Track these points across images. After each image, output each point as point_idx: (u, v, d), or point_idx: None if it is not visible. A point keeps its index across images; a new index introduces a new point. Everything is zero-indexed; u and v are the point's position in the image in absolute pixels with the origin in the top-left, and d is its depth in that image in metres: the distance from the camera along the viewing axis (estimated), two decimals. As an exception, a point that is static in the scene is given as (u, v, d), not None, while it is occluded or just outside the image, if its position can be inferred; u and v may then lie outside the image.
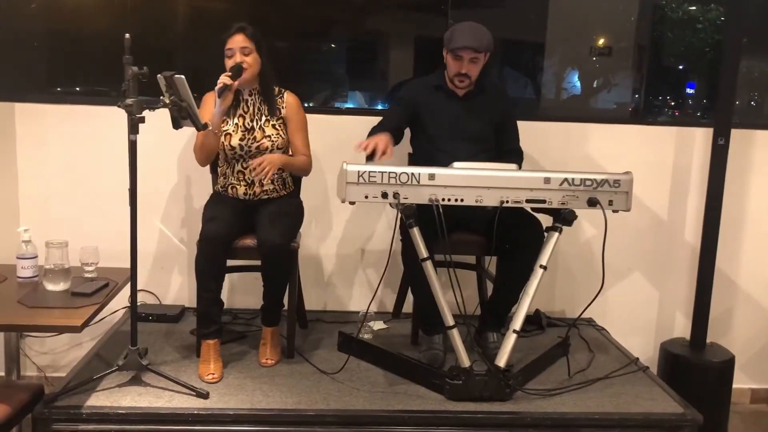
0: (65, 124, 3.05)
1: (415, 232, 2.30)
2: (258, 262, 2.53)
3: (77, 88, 3.20)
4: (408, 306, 2.99)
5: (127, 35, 2.15)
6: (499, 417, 2.27)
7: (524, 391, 2.39)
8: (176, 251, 3.18)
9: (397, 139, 2.71)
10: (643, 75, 3.42)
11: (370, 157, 2.44)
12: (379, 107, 3.35)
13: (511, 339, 2.35)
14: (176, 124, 2.31)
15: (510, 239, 2.55)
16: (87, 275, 2.55)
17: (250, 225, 2.61)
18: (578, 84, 3.44)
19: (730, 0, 2.93)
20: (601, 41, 3.42)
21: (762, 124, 3.33)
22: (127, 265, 2.31)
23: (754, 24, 3.21)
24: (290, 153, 2.77)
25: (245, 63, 2.57)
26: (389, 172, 2.28)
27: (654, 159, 3.26)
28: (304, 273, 3.13)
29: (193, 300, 2.56)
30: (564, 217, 2.40)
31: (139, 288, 2.44)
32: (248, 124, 2.66)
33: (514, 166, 2.47)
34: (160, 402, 2.23)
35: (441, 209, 2.25)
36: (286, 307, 2.64)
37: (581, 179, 2.37)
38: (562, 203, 2.38)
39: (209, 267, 2.46)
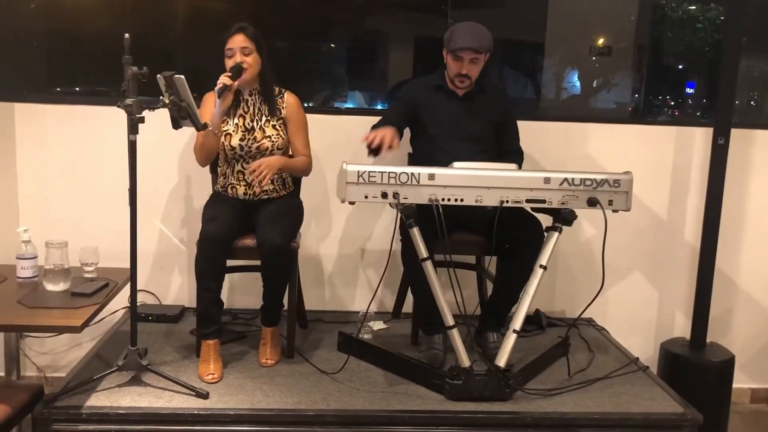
0: (65, 124, 3.05)
1: (415, 232, 2.30)
2: (258, 262, 2.53)
3: (77, 88, 3.19)
4: (408, 306, 2.99)
5: (127, 35, 2.15)
6: (499, 417, 2.27)
7: (524, 391, 2.39)
8: (176, 251, 3.18)
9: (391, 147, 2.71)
10: (642, 75, 3.42)
11: (376, 151, 2.42)
12: (379, 107, 3.35)
13: (511, 339, 2.35)
14: (176, 124, 2.31)
15: (510, 239, 2.55)
16: (87, 275, 2.55)
17: (250, 225, 2.60)
18: (578, 84, 3.44)
19: (730, -1, 2.93)
20: (600, 41, 3.41)
21: (762, 123, 3.33)
22: (127, 265, 2.31)
23: (754, 23, 3.21)
24: (290, 153, 2.77)
25: (245, 63, 2.57)
26: (389, 172, 2.28)
27: (654, 159, 3.26)
28: (304, 273, 3.13)
29: (193, 300, 2.56)
30: (564, 217, 2.40)
31: (138, 288, 2.44)
32: (248, 125, 2.66)
33: (513, 165, 2.47)
34: (160, 402, 2.23)
35: (441, 209, 2.25)
36: (286, 307, 2.63)
37: (581, 179, 2.37)
38: (562, 203, 2.38)
39: (209, 267, 2.46)
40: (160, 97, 2.25)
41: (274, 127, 2.68)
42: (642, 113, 3.43)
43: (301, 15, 3.25)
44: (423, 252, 2.31)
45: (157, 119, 2.37)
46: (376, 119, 2.75)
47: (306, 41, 3.32)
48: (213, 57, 2.64)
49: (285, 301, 2.62)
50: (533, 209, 2.50)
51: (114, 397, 2.24)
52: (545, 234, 2.47)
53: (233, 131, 2.64)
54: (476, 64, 2.67)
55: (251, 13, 3.19)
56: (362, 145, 2.91)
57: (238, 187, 2.68)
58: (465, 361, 2.32)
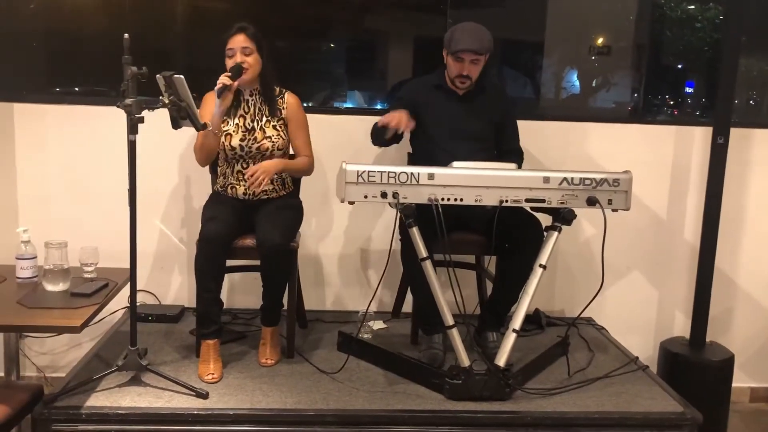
0: (64, 124, 3.05)
1: (415, 232, 2.30)
2: (257, 262, 2.53)
3: (76, 88, 3.19)
4: (408, 306, 2.99)
5: (126, 35, 2.15)
6: (498, 416, 2.27)
7: (524, 391, 2.39)
8: (176, 251, 3.18)
9: (398, 138, 2.72)
10: (642, 74, 3.42)
11: (386, 142, 2.49)
12: (379, 107, 3.35)
13: (510, 338, 2.35)
14: (175, 125, 2.30)
15: (509, 238, 2.55)
16: (86, 275, 2.55)
17: (250, 225, 2.60)
18: (577, 83, 3.44)
19: (729, -1, 2.93)
20: (600, 40, 3.42)
21: (761, 122, 3.34)
22: (127, 265, 2.31)
23: (753, 23, 3.21)
24: (291, 153, 2.77)
25: (246, 63, 2.56)
26: (388, 172, 2.28)
27: (653, 158, 3.26)
28: (304, 273, 3.13)
29: (193, 300, 2.56)
30: (563, 217, 2.40)
31: (138, 288, 2.44)
32: (249, 125, 2.66)
33: (513, 165, 2.47)
34: (159, 402, 2.23)
35: (440, 209, 2.25)
36: (285, 307, 2.63)
37: (580, 178, 2.37)
38: (562, 202, 2.38)
39: (209, 267, 2.46)
40: (160, 97, 2.25)
41: (274, 127, 2.67)
42: (641, 112, 3.43)
43: (301, 15, 3.25)
44: (422, 251, 2.31)
45: (157, 119, 2.37)
46: (375, 119, 2.75)
47: (305, 41, 3.32)
48: (212, 57, 2.64)
49: (285, 300, 2.62)
50: (533, 209, 2.50)
51: (114, 397, 2.24)
52: (545, 233, 2.47)
53: (233, 131, 2.64)
54: (477, 64, 2.67)
55: (251, 13, 3.18)
56: (362, 144, 2.93)
57: (237, 187, 2.68)
58: (465, 360, 2.32)
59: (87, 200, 3.08)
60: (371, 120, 2.73)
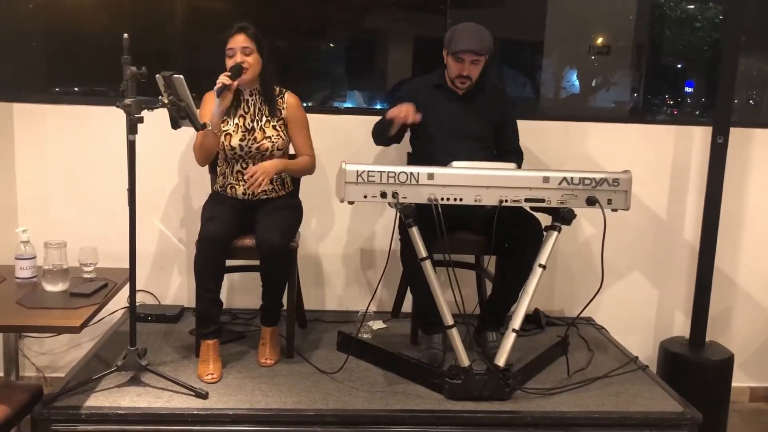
0: (64, 124, 3.05)
1: (414, 232, 2.30)
2: (257, 262, 2.52)
3: (76, 88, 3.19)
4: (407, 305, 2.99)
5: (126, 35, 2.15)
6: (498, 416, 2.27)
7: (524, 391, 2.39)
8: (175, 251, 3.18)
9: (398, 138, 2.72)
10: (641, 74, 3.42)
11: (388, 140, 2.50)
12: (378, 106, 3.35)
13: (510, 338, 2.35)
14: (175, 124, 2.30)
15: (509, 238, 2.55)
16: (86, 276, 2.55)
17: (249, 225, 2.60)
18: (577, 83, 3.44)
19: (729, -2, 2.93)
20: (599, 40, 3.41)
21: (761, 122, 3.34)
22: (126, 265, 2.31)
23: (753, 22, 3.21)
24: (291, 153, 2.77)
25: (246, 63, 2.56)
26: (388, 172, 2.28)
27: (653, 158, 3.26)
28: (303, 273, 3.13)
29: (193, 300, 2.55)
30: (563, 216, 2.39)
31: (138, 288, 2.44)
32: (249, 125, 2.66)
33: (513, 165, 2.47)
34: (159, 402, 2.23)
35: (440, 209, 2.25)
36: (285, 307, 2.63)
37: (580, 178, 2.37)
38: (561, 202, 2.38)
39: (208, 267, 2.45)
40: (159, 97, 2.25)
41: (274, 127, 2.67)
42: (641, 112, 3.43)
43: (301, 15, 3.25)
44: (422, 251, 2.31)
45: (156, 119, 2.37)
46: (375, 119, 2.75)
47: (305, 41, 3.32)
48: (212, 57, 2.64)
49: (284, 300, 2.62)
50: (532, 208, 2.50)
51: (113, 397, 2.24)
52: (544, 233, 2.47)
53: (233, 131, 2.64)
54: (477, 65, 2.67)
55: (250, 13, 3.18)
56: (361, 144, 2.93)
57: (237, 187, 2.67)
58: (464, 360, 2.32)
59: (86, 200, 3.08)
60: (371, 120, 2.73)
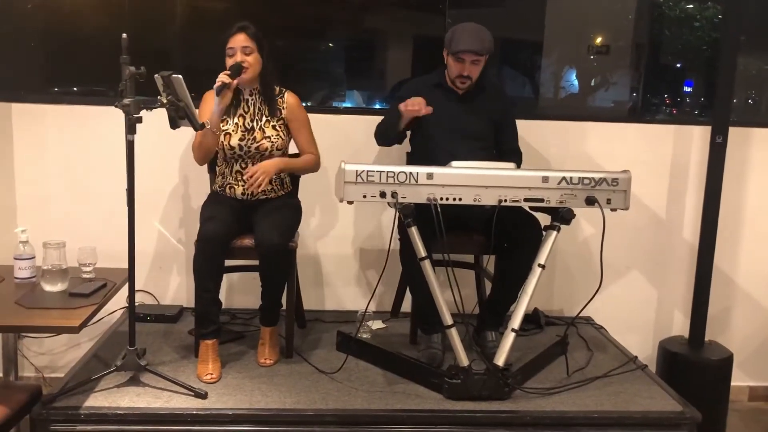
0: (63, 124, 3.05)
1: (414, 232, 2.30)
2: (256, 262, 2.52)
3: (75, 88, 3.19)
4: (406, 305, 2.99)
5: (125, 35, 2.15)
6: (498, 416, 2.27)
7: (523, 390, 2.39)
8: (174, 251, 3.18)
9: (400, 138, 2.72)
10: (640, 73, 3.42)
11: (391, 140, 2.53)
12: (377, 106, 3.35)
13: (509, 338, 2.35)
14: (173, 124, 2.30)
15: (508, 238, 2.55)
16: (85, 276, 2.55)
17: (248, 225, 2.60)
18: (576, 83, 3.44)
19: (728, -2, 2.93)
20: (598, 40, 3.41)
21: (760, 122, 3.34)
22: (125, 265, 2.31)
23: (752, 22, 3.21)
24: (294, 153, 2.76)
25: (246, 63, 2.56)
26: (387, 172, 2.28)
27: (652, 157, 3.26)
28: (303, 273, 3.12)
29: (192, 300, 2.55)
30: (562, 216, 2.39)
31: (137, 288, 2.44)
32: (248, 125, 2.66)
33: (512, 165, 2.47)
34: (158, 402, 2.23)
35: (439, 208, 2.25)
36: (284, 307, 2.63)
37: (579, 178, 2.37)
38: (561, 202, 2.38)
39: (207, 267, 2.45)
40: (158, 97, 2.25)
41: (274, 127, 2.67)
42: (640, 112, 3.43)
43: (300, 14, 3.24)
44: (421, 251, 2.31)
45: (155, 119, 2.37)
46: (374, 118, 2.75)
47: (304, 40, 3.32)
48: (211, 57, 2.64)
49: (284, 300, 2.62)
50: (532, 208, 2.50)
51: (112, 397, 2.24)
52: (543, 233, 2.47)
53: (233, 131, 2.64)
54: (477, 65, 2.67)
55: (250, 13, 3.18)
56: (361, 144, 2.94)
57: (236, 187, 2.67)
58: (464, 360, 2.32)
59: (85, 200, 3.08)
60: (370, 119, 2.73)
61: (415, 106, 2.51)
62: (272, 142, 2.65)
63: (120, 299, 2.70)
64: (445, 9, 3.17)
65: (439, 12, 3.19)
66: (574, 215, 2.40)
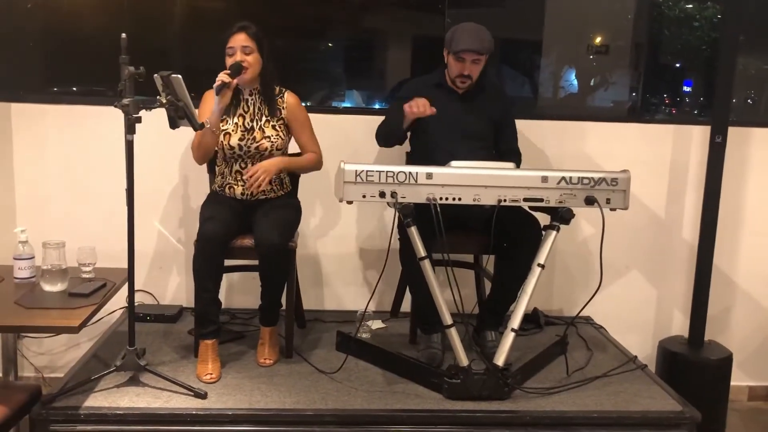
0: (62, 124, 3.05)
1: (413, 231, 2.29)
2: (256, 262, 2.52)
3: (74, 88, 3.19)
4: (406, 305, 2.99)
5: (124, 35, 2.15)
6: (497, 416, 2.27)
7: (523, 390, 2.39)
8: (174, 251, 3.18)
9: (401, 138, 2.72)
10: (640, 73, 3.42)
11: (392, 141, 2.53)
12: (377, 106, 3.35)
13: (509, 338, 2.35)
14: (173, 124, 2.30)
15: (508, 238, 2.55)
16: (84, 276, 2.55)
17: (248, 225, 2.60)
18: (575, 82, 3.44)
19: (727, -2, 2.93)
20: (598, 39, 3.41)
21: (759, 121, 3.34)
22: (125, 265, 2.31)
23: (752, 22, 3.22)
24: (295, 153, 2.76)
25: (246, 62, 2.56)
26: (387, 171, 2.28)
27: (651, 157, 3.26)
28: (302, 273, 3.12)
29: (191, 300, 2.55)
30: (562, 216, 2.39)
31: (136, 288, 2.44)
32: (248, 124, 2.65)
33: (511, 164, 2.47)
34: (158, 402, 2.23)
35: (438, 208, 2.25)
36: (284, 307, 2.63)
37: (579, 178, 2.37)
38: (560, 202, 2.38)
39: (207, 267, 2.45)
40: (157, 97, 2.25)
41: (273, 127, 2.67)
42: (639, 111, 3.43)
43: (300, 14, 3.24)
44: (421, 251, 2.31)
45: (155, 119, 2.37)
46: (373, 118, 2.75)
47: (304, 40, 3.32)
48: (211, 57, 2.64)
49: (283, 300, 2.62)
50: (531, 208, 2.50)
51: (112, 397, 2.24)
52: (543, 233, 2.47)
53: (233, 131, 2.64)
54: (477, 64, 2.67)
55: (250, 13, 3.18)
56: (360, 144, 2.93)
57: (235, 186, 2.67)
58: (463, 360, 2.32)
59: (85, 200, 3.08)
60: (370, 119, 2.73)
61: (420, 107, 2.51)
62: (272, 142, 2.64)
63: (120, 299, 2.70)
64: (444, 9, 3.17)
65: (438, 12, 3.19)
66: (574, 215, 2.40)
